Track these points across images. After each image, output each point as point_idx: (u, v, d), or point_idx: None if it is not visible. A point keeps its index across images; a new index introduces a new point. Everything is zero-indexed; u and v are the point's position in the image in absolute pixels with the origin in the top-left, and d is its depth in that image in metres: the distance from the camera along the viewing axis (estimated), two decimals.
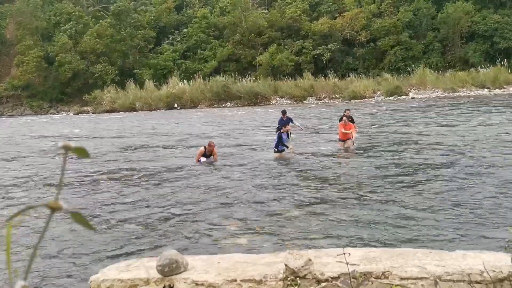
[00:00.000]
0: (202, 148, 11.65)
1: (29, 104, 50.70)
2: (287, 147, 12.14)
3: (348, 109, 14.95)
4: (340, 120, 13.96)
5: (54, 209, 0.58)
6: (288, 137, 12.99)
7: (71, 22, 51.01)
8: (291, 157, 11.59)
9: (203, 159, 11.56)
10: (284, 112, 14.36)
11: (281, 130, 12.27)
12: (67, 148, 0.60)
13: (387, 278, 2.57)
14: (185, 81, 44.38)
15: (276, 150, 11.96)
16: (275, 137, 12.27)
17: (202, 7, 53.49)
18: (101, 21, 51.71)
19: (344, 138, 13.06)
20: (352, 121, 14.51)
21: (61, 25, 51.95)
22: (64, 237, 6.05)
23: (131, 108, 43.16)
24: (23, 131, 25.40)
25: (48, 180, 10.57)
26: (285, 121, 13.98)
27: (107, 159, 13.32)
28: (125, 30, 49.35)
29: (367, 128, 16.62)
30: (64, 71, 47.65)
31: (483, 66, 38.47)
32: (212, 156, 11.68)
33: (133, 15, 50.77)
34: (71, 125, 29.25)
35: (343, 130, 13.05)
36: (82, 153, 0.61)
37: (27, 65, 48.35)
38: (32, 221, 6.73)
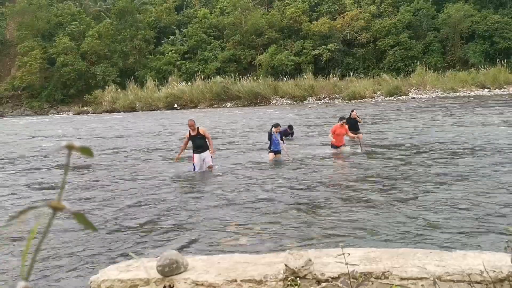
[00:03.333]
0: (187, 133, 10.42)
1: (29, 105, 50.71)
2: (283, 142, 11.69)
3: (354, 110, 14.70)
4: (347, 121, 12.93)
5: (56, 209, 0.58)
6: (281, 138, 11.82)
7: (73, 23, 51.04)
8: (288, 159, 11.37)
9: (196, 161, 10.25)
10: (276, 126, 11.58)
11: (273, 130, 11.43)
12: (71, 148, 0.60)
13: (387, 278, 2.57)
14: (185, 82, 44.43)
15: (269, 150, 11.58)
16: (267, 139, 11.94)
17: (202, 7, 53.54)
18: (104, 21, 51.68)
19: (338, 144, 12.12)
20: (357, 122, 14.28)
21: (62, 25, 51.97)
22: (64, 237, 6.05)
23: (131, 108, 43.21)
24: (25, 132, 25.41)
25: (50, 180, 10.57)
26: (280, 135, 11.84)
27: (107, 159, 13.32)
28: (126, 30, 49.36)
29: (367, 128, 16.60)
30: (66, 73, 47.65)
31: (483, 67, 38.47)
32: (204, 143, 10.22)
33: (136, 15, 50.78)
34: (74, 125, 29.26)
35: (336, 132, 11.94)
36: (86, 152, 0.61)
37: (30, 66, 48.35)
38: (33, 222, 6.73)
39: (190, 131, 10.26)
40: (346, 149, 12.15)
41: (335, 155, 11.93)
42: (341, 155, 11.80)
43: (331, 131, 12.22)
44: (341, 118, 12.44)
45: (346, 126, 12.39)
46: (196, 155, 10.26)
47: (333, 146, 12.18)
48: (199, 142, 10.23)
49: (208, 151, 10.29)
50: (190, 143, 10.43)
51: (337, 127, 12.11)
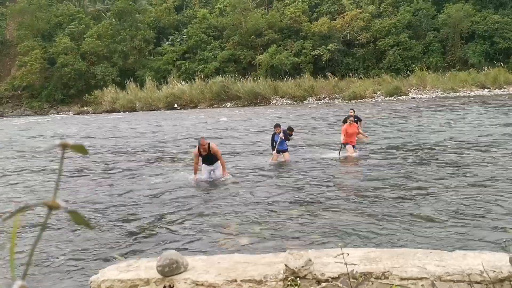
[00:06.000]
0: (196, 150, 9.53)
1: (29, 105, 50.71)
2: (289, 140, 11.50)
3: (352, 109, 14.64)
4: (344, 121, 12.71)
5: (52, 208, 0.58)
6: (286, 139, 11.53)
7: (72, 23, 51.09)
8: (289, 160, 11.25)
9: (204, 171, 9.57)
10: (276, 126, 11.57)
11: (276, 130, 11.31)
12: (65, 146, 0.60)
13: (387, 278, 2.57)
14: (185, 82, 44.44)
15: (272, 152, 11.36)
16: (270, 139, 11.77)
17: (202, 8, 53.55)
18: (103, 21, 51.73)
19: (353, 143, 11.65)
20: (359, 119, 14.23)
21: (62, 25, 52.01)
22: (64, 237, 6.05)
23: (131, 109, 43.20)
24: (27, 132, 25.42)
25: (47, 179, 10.56)
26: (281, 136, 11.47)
27: (107, 159, 13.32)
28: (126, 30, 49.39)
29: (368, 128, 16.58)
30: (67, 73, 47.68)
31: (484, 67, 38.45)
32: (215, 160, 9.49)
33: (135, 15, 50.82)
34: (76, 125, 29.27)
35: (349, 131, 11.55)
36: (80, 150, 0.60)
37: (30, 66, 48.38)
38: (30, 221, 6.73)
39: (200, 149, 9.37)
40: (353, 151, 11.66)
41: (336, 156, 11.74)
42: (342, 156, 11.59)
43: (343, 132, 11.78)
44: (348, 118, 12.22)
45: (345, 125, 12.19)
46: (204, 166, 9.58)
47: (347, 144, 11.69)
48: (210, 160, 9.52)
49: (217, 163, 9.56)
50: None
51: (348, 127, 11.73)
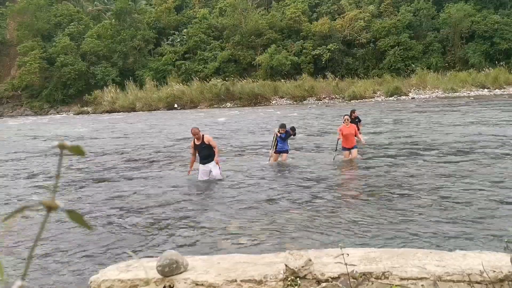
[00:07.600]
0: (192, 143, 9.64)
1: (29, 105, 50.74)
2: (288, 143, 11.48)
3: (354, 110, 14.48)
4: (348, 118, 11.74)
5: (50, 208, 0.58)
6: (285, 139, 11.40)
7: (72, 23, 51.16)
8: (289, 161, 11.21)
9: (201, 172, 9.45)
10: (282, 126, 11.49)
11: (277, 132, 11.22)
12: (62, 147, 0.59)
13: (387, 278, 2.57)
14: (185, 82, 44.48)
15: (273, 151, 11.24)
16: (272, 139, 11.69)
17: (202, 8, 53.58)
18: (103, 21, 51.79)
19: (349, 146, 11.11)
20: (359, 120, 14.07)
21: (62, 25, 52.07)
22: (64, 237, 6.05)
23: (131, 109, 43.22)
24: (29, 132, 25.42)
25: (46, 179, 10.56)
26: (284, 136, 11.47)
27: (107, 159, 13.32)
28: (126, 30, 49.42)
29: (368, 128, 16.59)
30: (67, 73, 47.72)
31: (484, 69, 38.44)
32: (209, 152, 9.40)
33: (134, 15, 50.86)
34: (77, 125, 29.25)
35: (344, 132, 11.04)
36: (77, 151, 0.60)
37: (30, 65, 48.42)
38: (29, 221, 6.72)
39: (194, 140, 9.50)
40: (355, 153, 11.14)
41: (336, 156, 11.62)
42: (342, 157, 11.46)
43: (339, 132, 11.36)
44: (345, 115, 11.74)
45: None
46: (201, 166, 9.48)
47: (344, 148, 11.22)
48: (205, 152, 9.42)
49: (213, 162, 9.47)
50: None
51: (344, 127, 11.27)
